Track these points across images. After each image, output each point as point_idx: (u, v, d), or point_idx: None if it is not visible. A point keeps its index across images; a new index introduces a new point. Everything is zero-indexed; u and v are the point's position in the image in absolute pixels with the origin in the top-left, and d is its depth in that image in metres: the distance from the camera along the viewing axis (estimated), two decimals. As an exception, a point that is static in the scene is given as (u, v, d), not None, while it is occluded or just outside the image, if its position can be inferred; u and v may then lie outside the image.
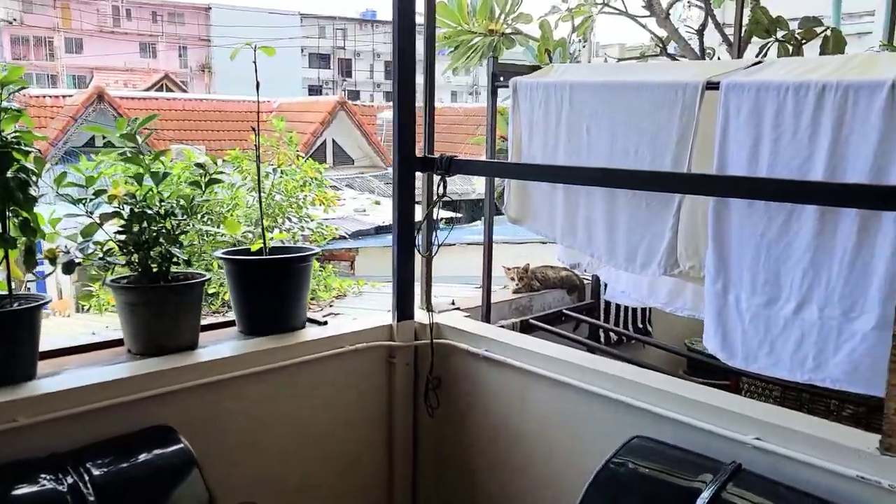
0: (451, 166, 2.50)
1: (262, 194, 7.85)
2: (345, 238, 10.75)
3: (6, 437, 1.77)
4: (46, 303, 1.92)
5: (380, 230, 11.77)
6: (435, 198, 2.60)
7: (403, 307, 2.71)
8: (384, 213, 12.11)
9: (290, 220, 7.75)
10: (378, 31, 66.77)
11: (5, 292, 1.91)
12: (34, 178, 1.89)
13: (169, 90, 32.85)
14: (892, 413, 1.60)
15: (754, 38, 4.39)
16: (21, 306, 1.87)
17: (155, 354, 2.18)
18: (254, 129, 2.62)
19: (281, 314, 2.50)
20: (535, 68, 2.84)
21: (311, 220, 8.54)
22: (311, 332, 2.54)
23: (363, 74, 66.36)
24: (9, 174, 1.83)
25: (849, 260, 1.91)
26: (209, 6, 57.50)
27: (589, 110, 2.46)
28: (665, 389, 2.07)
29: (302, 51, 57.62)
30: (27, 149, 1.88)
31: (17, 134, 1.87)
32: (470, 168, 2.75)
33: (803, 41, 4.35)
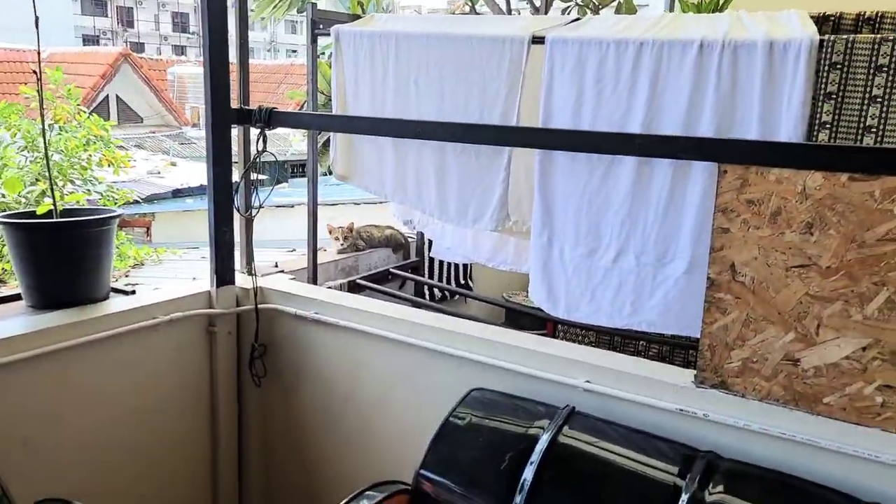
0: (272, 119, 2.33)
1: (37, 153, 6.98)
2: (138, 203, 9.89)
3: None
4: None
5: (178, 193, 10.99)
6: (254, 153, 2.42)
7: (223, 272, 2.52)
8: (181, 175, 11.32)
9: (72, 182, 6.94)
10: (161, -20, 61.54)
11: None
12: None
13: None
14: (706, 349, 1.75)
15: (556, 2, 4.62)
16: None
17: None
18: (35, 73, 2.25)
19: (79, 284, 2.21)
20: (356, 17, 2.72)
21: (99, 183, 7.74)
22: (116, 304, 2.28)
23: (148, 25, 60.96)
24: None
25: (663, 207, 2.05)
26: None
27: (416, 62, 2.41)
28: (498, 340, 2.10)
29: (75, -5, 51.66)
30: None
31: None
32: (292, 120, 2.59)
33: (600, 6, 4.63)
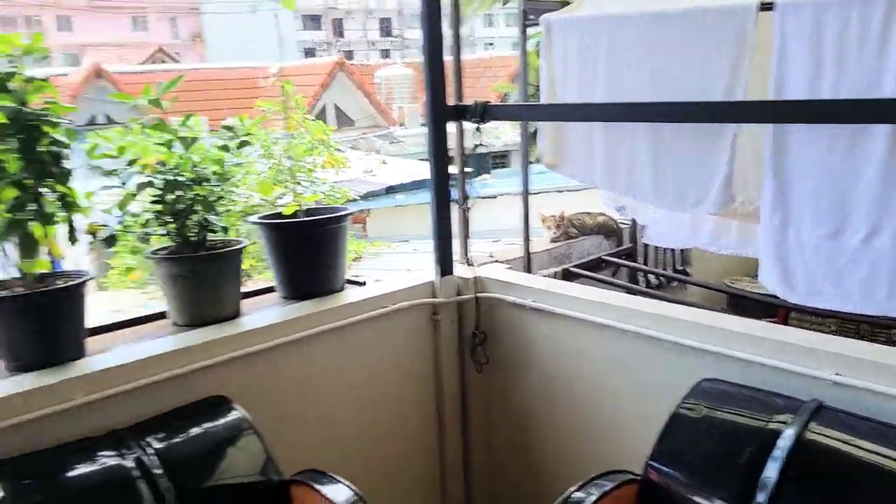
0: (487, 113, 2.40)
1: (273, 160, 7.80)
2: (355, 200, 10.65)
3: (65, 416, 1.73)
4: (91, 279, 1.86)
5: (390, 190, 11.65)
6: (472, 147, 2.50)
7: (444, 263, 2.64)
8: (392, 172, 11.97)
9: (300, 184, 7.66)
10: (370, -12, 65.50)
11: (48, 270, 1.85)
12: (66, 151, 1.81)
13: (164, 63, 32.49)
14: None
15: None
16: (67, 283, 1.81)
17: (199, 325, 2.12)
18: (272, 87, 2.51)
19: (321, 277, 2.44)
20: (565, 4, 2.71)
21: (323, 184, 8.46)
22: (351, 294, 2.48)
23: (356, 34, 65.33)
24: (41, 148, 1.75)
25: (925, 182, 1.82)
26: (195, -27, 56.47)
27: (629, 44, 2.35)
28: (728, 328, 2.00)
29: (296, 13, 56.75)
30: (57, 120, 1.79)
31: (46, 106, 1.78)
32: (506, 113, 2.65)
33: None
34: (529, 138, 3.00)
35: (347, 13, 65.45)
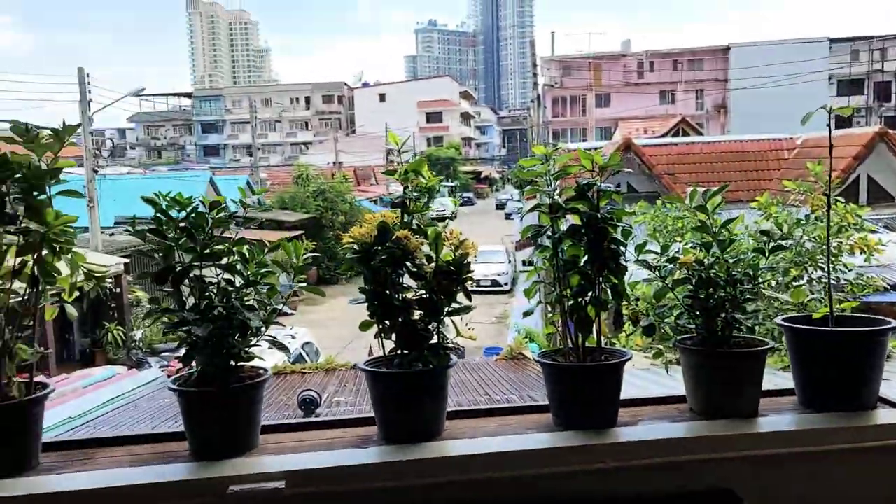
0: None
1: (792, 240, 7.43)
2: (888, 290, 9.35)
3: (595, 476, 2.02)
4: (629, 358, 2.15)
5: (934, 281, 9.91)
6: None
7: None
8: (942, 261, 10.14)
9: (820, 269, 7.12)
10: (931, 44, 57.03)
11: (594, 346, 2.20)
12: (623, 249, 2.14)
13: (685, 133, 33.85)
14: None
15: None
16: (610, 360, 2.14)
17: (715, 416, 2.23)
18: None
19: (848, 390, 2.30)
20: None
21: (849, 270, 7.69)
22: (883, 415, 2.27)
23: (906, 97, 57.32)
24: (605, 246, 2.11)
25: None
26: (728, 47, 57.52)
27: None
28: None
29: (830, 79, 52.98)
30: (618, 224, 2.14)
31: (611, 210, 2.15)
32: None
33: None
34: None
35: (896, 75, 58.03)
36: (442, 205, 47.82)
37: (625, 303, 2.24)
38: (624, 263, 2.14)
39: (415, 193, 2.19)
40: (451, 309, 2.11)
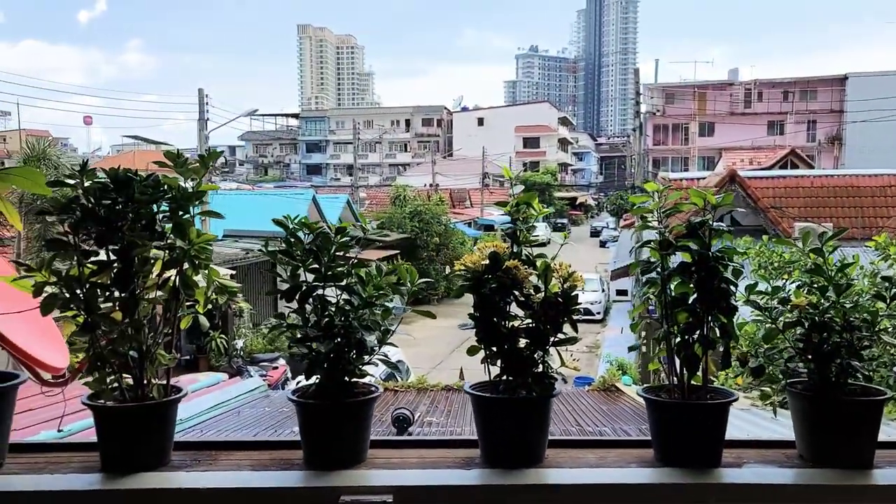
0: None
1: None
2: None
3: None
4: (735, 399, 2.13)
5: None
6: None
7: None
8: None
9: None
10: None
11: (699, 384, 2.20)
12: (732, 289, 2.13)
13: (794, 166, 32.41)
14: None
15: None
16: (717, 399, 2.13)
17: (826, 465, 2.17)
18: None
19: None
20: None
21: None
22: None
23: None
24: (714, 284, 2.11)
25: None
26: (846, 76, 54.82)
27: None
28: None
29: (960, 111, 49.47)
30: (729, 264, 2.14)
31: (722, 250, 2.15)
32: None
33: None
34: None
35: None
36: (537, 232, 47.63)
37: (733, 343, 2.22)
38: (734, 303, 2.13)
39: (524, 224, 2.26)
40: (556, 339, 2.16)
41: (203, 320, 2.36)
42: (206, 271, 2.22)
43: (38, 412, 4.54)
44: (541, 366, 2.15)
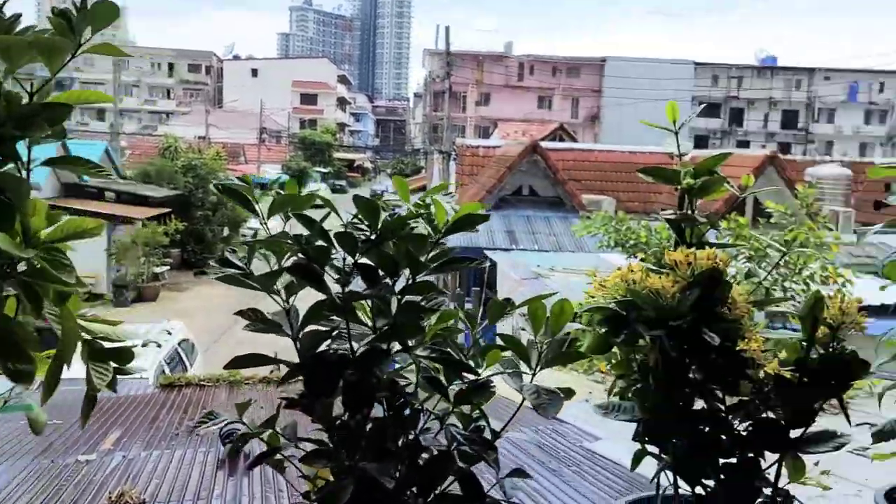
0: None
1: (765, 262, 7.06)
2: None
3: None
4: None
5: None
6: None
7: None
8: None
9: (794, 299, 6.82)
10: (778, 78, 62.19)
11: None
12: None
13: (562, 140, 34.38)
14: None
15: None
16: None
17: None
18: None
19: None
20: None
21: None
22: None
23: (755, 124, 62.19)
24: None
25: None
26: (604, 59, 59.56)
27: None
28: None
29: (692, 100, 56.26)
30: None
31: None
32: None
33: None
34: None
35: (749, 103, 63.03)
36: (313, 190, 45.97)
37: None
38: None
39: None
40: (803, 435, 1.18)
41: None
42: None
43: None
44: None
